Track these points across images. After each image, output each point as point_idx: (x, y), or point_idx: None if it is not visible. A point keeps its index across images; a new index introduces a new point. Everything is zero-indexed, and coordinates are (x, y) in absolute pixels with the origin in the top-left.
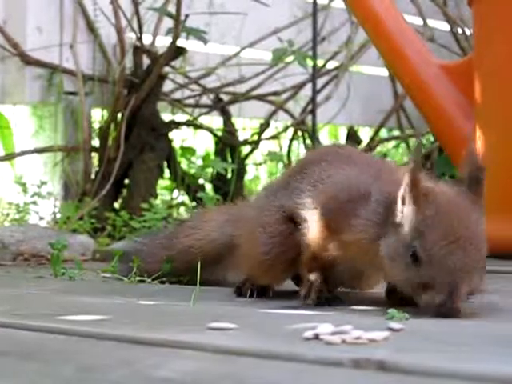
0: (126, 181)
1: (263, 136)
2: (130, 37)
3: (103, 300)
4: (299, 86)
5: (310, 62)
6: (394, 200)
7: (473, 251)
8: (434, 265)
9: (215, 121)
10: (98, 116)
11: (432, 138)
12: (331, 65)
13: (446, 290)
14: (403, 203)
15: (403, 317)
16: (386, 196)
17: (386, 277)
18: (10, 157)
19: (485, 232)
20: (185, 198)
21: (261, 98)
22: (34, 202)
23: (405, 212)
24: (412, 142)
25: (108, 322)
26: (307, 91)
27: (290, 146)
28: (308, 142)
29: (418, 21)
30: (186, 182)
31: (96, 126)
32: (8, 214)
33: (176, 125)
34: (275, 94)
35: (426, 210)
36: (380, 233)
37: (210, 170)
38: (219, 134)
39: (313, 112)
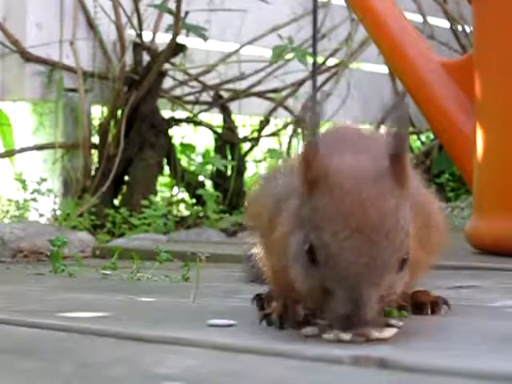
0: (126, 178)
1: (263, 133)
2: (130, 34)
3: (103, 297)
4: (299, 83)
5: (310, 59)
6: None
7: (383, 244)
8: (331, 265)
9: (215, 118)
10: (98, 113)
11: (432, 136)
12: (331, 62)
13: (348, 298)
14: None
15: (402, 314)
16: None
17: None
18: (9, 153)
19: (405, 220)
20: (185, 195)
21: (261, 94)
22: (34, 199)
23: (302, 200)
24: (413, 139)
25: (108, 318)
26: (307, 88)
27: (289, 143)
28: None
29: (418, 18)
30: (185, 179)
31: (96, 122)
32: (8, 211)
33: (176, 122)
34: (275, 91)
35: (323, 195)
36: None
37: (209, 167)
38: (219, 130)
39: (313, 109)
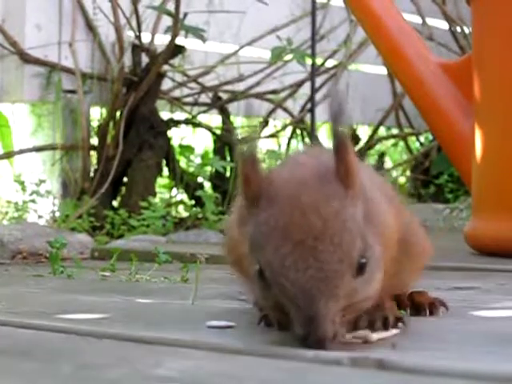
0: (125, 179)
1: (262, 134)
2: (129, 35)
3: (102, 298)
4: (298, 85)
5: (308, 61)
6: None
7: (328, 251)
8: (278, 285)
9: (214, 119)
10: (97, 114)
11: (431, 137)
12: (330, 63)
13: (305, 316)
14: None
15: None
16: None
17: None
18: (8, 155)
19: (354, 220)
20: (184, 197)
21: (259, 96)
22: (33, 201)
23: (245, 220)
24: (411, 140)
25: (107, 320)
26: (306, 89)
27: (288, 144)
28: (307, 140)
29: (417, 19)
30: (184, 181)
31: (95, 124)
32: (7, 213)
33: (175, 123)
34: (274, 92)
35: (263, 211)
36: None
37: (208, 169)
38: (218, 132)
39: (312, 110)
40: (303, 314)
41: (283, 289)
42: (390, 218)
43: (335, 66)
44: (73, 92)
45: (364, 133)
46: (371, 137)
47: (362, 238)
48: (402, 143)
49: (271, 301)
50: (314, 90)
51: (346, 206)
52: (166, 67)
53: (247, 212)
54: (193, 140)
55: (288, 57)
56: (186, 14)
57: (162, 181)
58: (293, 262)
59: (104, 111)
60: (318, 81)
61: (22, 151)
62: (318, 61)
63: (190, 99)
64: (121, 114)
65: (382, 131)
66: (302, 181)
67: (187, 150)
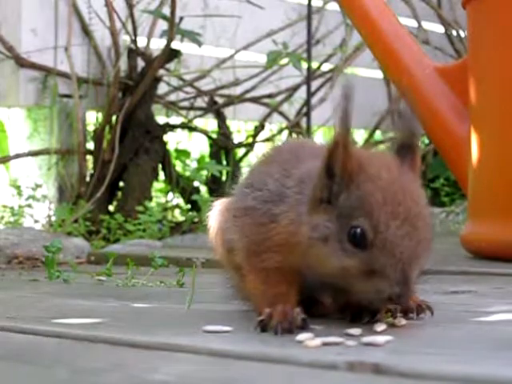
0: (121, 183)
1: (258, 138)
2: (125, 39)
3: (98, 303)
4: (294, 89)
5: (304, 65)
6: (314, 173)
7: (423, 229)
8: (387, 249)
9: (210, 123)
10: (93, 119)
11: (427, 141)
12: (326, 67)
13: (400, 279)
14: (329, 177)
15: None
16: (304, 173)
17: (314, 264)
18: (4, 160)
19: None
20: (179, 201)
21: (255, 100)
22: (29, 205)
23: (335, 186)
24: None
25: (102, 325)
26: (302, 93)
27: None
28: None
29: (413, 23)
30: (180, 185)
31: (91, 128)
32: (3, 217)
33: (171, 127)
34: (270, 96)
35: (363, 183)
36: (302, 215)
37: (204, 173)
38: (214, 136)
39: (307, 114)
40: (400, 276)
41: (392, 251)
42: None
43: (331, 70)
44: (69, 96)
45: (360, 137)
46: (367, 140)
47: None
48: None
49: (355, 261)
50: (309, 94)
51: (424, 195)
52: (161, 71)
53: (341, 183)
54: (189, 144)
55: (284, 61)
56: (181, 19)
57: (158, 185)
58: (402, 233)
59: (100, 115)
60: (314, 85)
61: (17, 156)
62: (314, 65)
63: (185, 103)
64: (117, 119)
65: (378, 135)
66: (390, 166)
67: (183, 154)
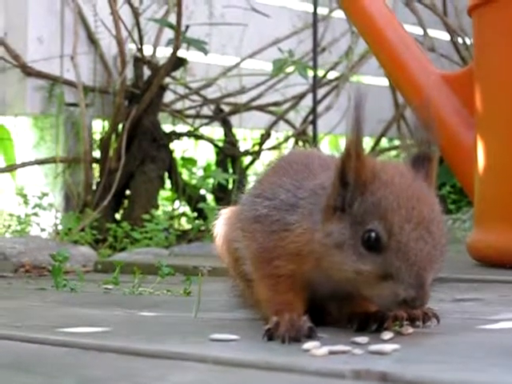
0: (127, 192)
1: (264, 146)
2: (131, 48)
3: (104, 312)
4: (300, 97)
5: (310, 73)
6: (327, 184)
7: (437, 234)
8: (401, 252)
9: (216, 131)
10: (99, 127)
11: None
12: (332, 75)
13: (415, 282)
14: (343, 185)
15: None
16: (317, 185)
17: (328, 270)
18: (11, 168)
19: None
20: (186, 209)
21: (262, 108)
22: (36, 214)
23: (349, 194)
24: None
25: (109, 333)
26: (308, 101)
27: None
28: None
29: (419, 30)
30: (187, 193)
31: (97, 137)
32: (9, 226)
33: (177, 135)
34: (276, 104)
35: (377, 189)
36: (316, 224)
37: (211, 181)
38: (220, 144)
39: (314, 122)
40: (415, 280)
41: (407, 254)
42: None
43: (337, 78)
44: (75, 105)
45: (366, 144)
46: (373, 148)
47: None
48: (404, 154)
49: (370, 265)
50: (316, 102)
51: (438, 202)
52: (167, 80)
53: (352, 191)
54: (195, 152)
55: (290, 69)
56: (187, 27)
57: (165, 193)
58: (417, 236)
59: (106, 124)
60: (320, 93)
61: (24, 164)
62: (320, 73)
63: (192, 111)
64: (123, 127)
65: (384, 142)
66: (404, 174)
67: (189, 162)
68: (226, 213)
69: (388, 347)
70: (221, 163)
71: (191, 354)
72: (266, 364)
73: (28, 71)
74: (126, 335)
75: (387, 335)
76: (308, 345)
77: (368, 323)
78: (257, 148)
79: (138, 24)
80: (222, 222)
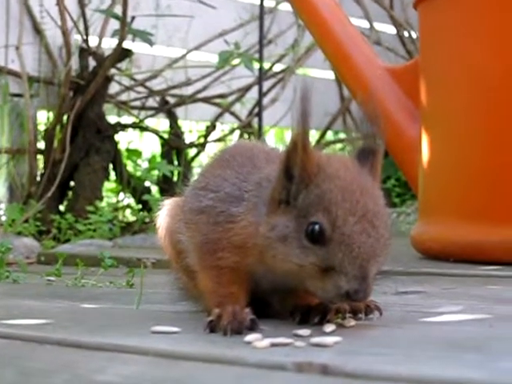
0: (72, 183)
1: (209, 138)
2: (76, 38)
3: (47, 303)
4: (246, 89)
5: (256, 65)
6: (272, 177)
7: (381, 227)
8: (344, 244)
9: (161, 123)
10: (44, 118)
11: None
12: (278, 67)
13: (358, 274)
14: (288, 178)
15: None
16: (262, 178)
17: (272, 263)
18: None
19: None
20: (131, 201)
21: (207, 100)
22: None
23: (294, 187)
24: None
25: (51, 325)
26: (254, 94)
27: None
28: None
29: (365, 24)
30: (131, 185)
31: (41, 128)
32: None
33: (122, 127)
34: (222, 96)
35: (322, 182)
36: (261, 216)
37: (156, 173)
38: (165, 136)
39: (259, 115)
40: (358, 272)
41: (348, 249)
42: None
43: (283, 71)
44: (19, 96)
45: (312, 137)
46: (319, 141)
47: None
48: (349, 147)
49: (313, 258)
50: (261, 95)
51: (382, 196)
52: (113, 71)
53: (297, 183)
54: (140, 144)
55: (236, 61)
56: (133, 18)
57: (109, 185)
58: (360, 229)
59: (51, 115)
60: (266, 85)
61: None
62: (266, 65)
63: (137, 103)
64: (68, 118)
65: (329, 135)
66: (349, 167)
67: (134, 154)
68: (168, 204)
69: (330, 340)
70: (166, 155)
71: (132, 347)
72: (207, 356)
73: None
74: (67, 327)
75: (329, 328)
76: (250, 337)
77: (310, 316)
78: (202, 140)
79: (83, 14)
80: (164, 213)
